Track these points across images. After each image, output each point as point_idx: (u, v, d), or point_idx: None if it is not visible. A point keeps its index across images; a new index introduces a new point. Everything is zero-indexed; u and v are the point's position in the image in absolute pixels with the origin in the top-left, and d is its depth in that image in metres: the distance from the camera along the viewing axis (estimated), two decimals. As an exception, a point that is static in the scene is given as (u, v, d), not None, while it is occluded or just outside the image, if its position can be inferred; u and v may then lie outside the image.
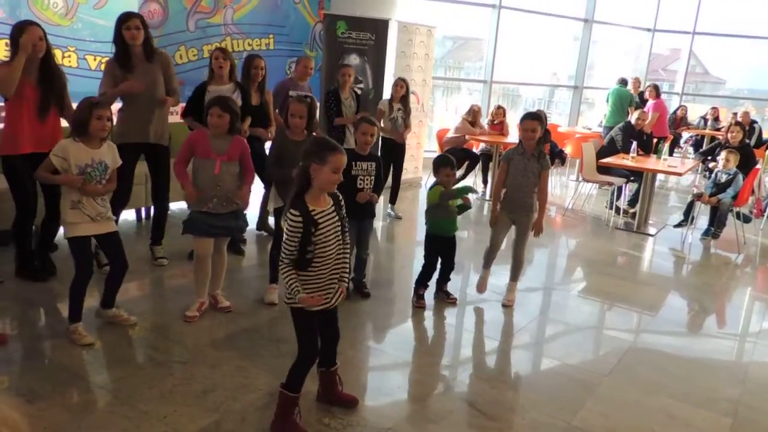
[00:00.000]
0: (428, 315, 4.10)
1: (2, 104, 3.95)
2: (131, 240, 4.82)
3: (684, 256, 6.09)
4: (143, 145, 4.29)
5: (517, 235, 4.27)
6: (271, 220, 5.45)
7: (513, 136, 7.56)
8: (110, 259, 3.50)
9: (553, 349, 3.77)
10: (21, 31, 3.69)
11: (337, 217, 2.55)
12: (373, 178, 3.99)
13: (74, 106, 3.95)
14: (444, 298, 4.28)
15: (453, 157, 7.72)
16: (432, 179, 4.33)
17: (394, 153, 6.23)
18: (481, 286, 4.38)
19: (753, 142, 10.13)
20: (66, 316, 3.37)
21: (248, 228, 4.16)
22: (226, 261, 3.90)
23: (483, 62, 10.33)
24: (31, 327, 3.58)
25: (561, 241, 6.54)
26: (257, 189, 5.06)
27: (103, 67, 4.41)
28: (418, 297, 4.18)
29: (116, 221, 3.56)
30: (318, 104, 5.35)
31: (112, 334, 3.49)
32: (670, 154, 8.16)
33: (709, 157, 7.60)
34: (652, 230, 6.71)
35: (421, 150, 8.24)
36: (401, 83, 6.19)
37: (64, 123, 4.03)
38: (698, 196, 6.42)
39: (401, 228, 6.26)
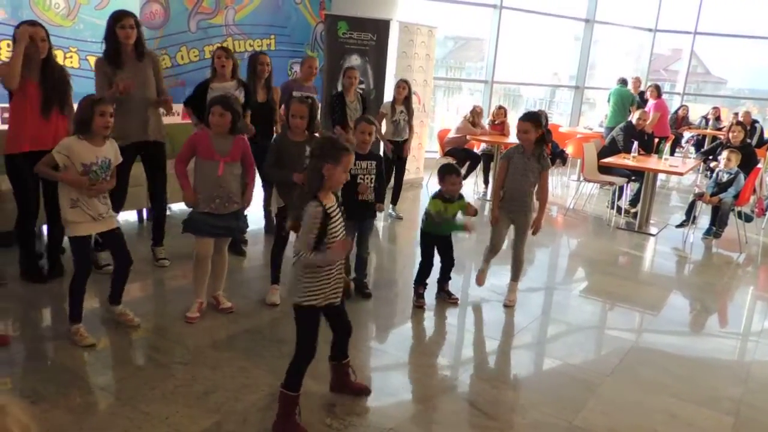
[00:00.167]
0: (429, 315, 4.10)
1: (7, 105, 3.96)
2: (132, 241, 4.80)
3: (685, 255, 6.09)
4: (142, 144, 4.29)
5: (516, 235, 4.27)
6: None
7: (514, 137, 7.54)
8: (114, 256, 3.51)
9: (555, 349, 3.77)
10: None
11: (340, 213, 2.64)
12: (373, 177, 3.99)
13: (75, 107, 3.99)
14: (446, 298, 4.28)
15: (454, 157, 7.80)
16: (435, 182, 4.31)
17: (397, 153, 6.23)
18: (480, 279, 4.39)
19: (754, 141, 10.13)
20: (67, 316, 3.37)
21: (249, 229, 4.16)
22: (227, 261, 3.90)
23: (484, 62, 10.33)
24: (34, 328, 3.59)
25: (562, 240, 6.54)
26: (258, 190, 5.08)
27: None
28: (418, 296, 4.18)
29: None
30: (320, 105, 5.39)
31: (113, 335, 3.49)
32: (672, 153, 8.17)
33: (711, 157, 7.59)
34: (653, 230, 6.70)
35: (422, 150, 8.25)
36: (403, 85, 6.18)
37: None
38: (700, 196, 6.41)
39: (402, 228, 6.26)
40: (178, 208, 5.94)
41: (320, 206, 2.49)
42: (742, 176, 6.20)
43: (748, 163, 6.53)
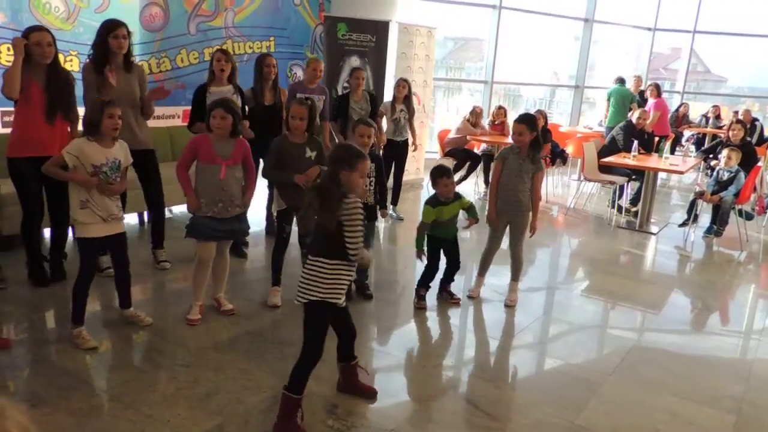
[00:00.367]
0: (431, 315, 4.10)
1: (9, 109, 3.97)
2: (134, 243, 4.81)
3: (686, 254, 6.08)
4: (132, 154, 4.28)
5: (513, 235, 4.27)
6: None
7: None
8: (113, 259, 3.52)
9: (556, 349, 3.77)
10: (26, 38, 3.72)
11: None
12: (372, 179, 4.00)
13: (79, 109, 4.00)
14: (447, 298, 4.29)
15: (454, 158, 7.80)
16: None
17: (396, 154, 6.23)
18: (474, 292, 4.39)
19: (754, 139, 10.12)
20: (69, 320, 3.37)
21: (250, 231, 4.17)
22: (228, 264, 3.91)
23: (484, 63, 10.33)
24: (35, 331, 3.59)
25: (563, 240, 6.54)
26: (261, 191, 5.08)
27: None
28: (419, 298, 4.19)
29: None
30: (321, 105, 5.39)
31: (115, 338, 3.50)
32: (672, 152, 8.16)
33: (711, 155, 7.59)
34: (654, 229, 6.70)
35: (422, 151, 8.23)
36: (403, 84, 6.19)
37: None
38: (700, 195, 6.41)
39: (403, 229, 6.26)
40: (179, 210, 5.95)
41: (358, 200, 2.57)
42: (742, 174, 6.20)
43: (748, 162, 6.53)
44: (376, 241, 5.55)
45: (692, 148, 11.38)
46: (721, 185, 6.27)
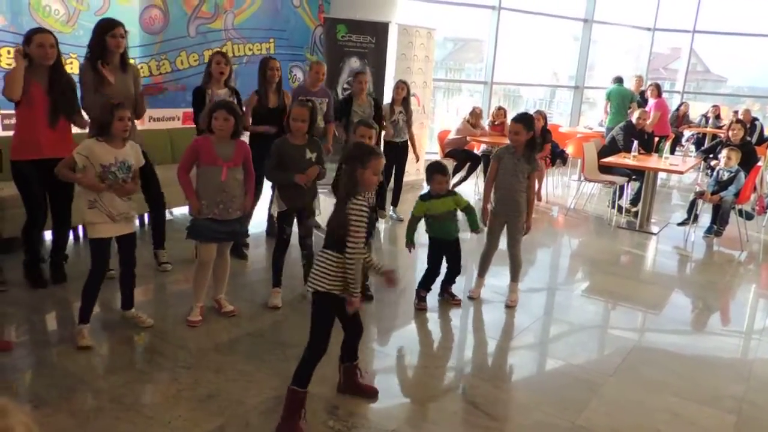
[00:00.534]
0: (432, 316, 4.10)
1: (9, 111, 3.97)
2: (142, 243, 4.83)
3: (687, 254, 6.08)
4: None
5: (510, 236, 4.27)
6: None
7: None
8: (121, 259, 3.53)
9: (557, 349, 3.77)
10: (29, 40, 3.72)
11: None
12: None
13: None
14: (449, 299, 4.29)
15: (454, 159, 7.81)
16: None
17: (395, 155, 6.23)
18: (474, 293, 4.40)
19: (754, 139, 10.11)
20: (71, 321, 3.38)
21: (251, 232, 4.17)
22: (228, 265, 3.91)
23: (483, 63, 10.33)
24: (36, 333, 3.59)
25: (564, 240, 6.54)
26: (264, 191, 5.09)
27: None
28: (419, 299, 4.19)
29: None
30: (325, 108, 5.40)
31: (116, 339, 3.50)
32: (672, 152, 8.16)
33: (711, 155, 7.59)
34: (654, 229, 6.70)
35: (422, 152, 8.24)
36: (402, 85, 6.19)
37: (74, 129, 4.06)
38: (700, 195, 6.41)
39: (403, 230, 6.22)
40: (179, 212, 5.95)
41: (365, 201, 2.62)
42: (742, 174, 6.20)
43: (748, 161, 6.53)
44: (376, 242, 5.55)
45: (692, 148, 11.38)
46: (721, 185, 6.28)
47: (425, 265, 4.26)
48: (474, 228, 4.13)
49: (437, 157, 8.01)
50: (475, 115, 7.97)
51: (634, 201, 7.10)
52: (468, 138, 7.94)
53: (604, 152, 7.15)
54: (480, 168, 7.99)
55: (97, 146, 3.26)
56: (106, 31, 3.99)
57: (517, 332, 3.96)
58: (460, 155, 7.90)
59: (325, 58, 7.26)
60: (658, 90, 9.60)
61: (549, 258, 5.87)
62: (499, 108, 8.45)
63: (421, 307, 4.15)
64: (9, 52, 4.87)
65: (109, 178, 3.26)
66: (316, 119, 3.94)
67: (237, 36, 6.76)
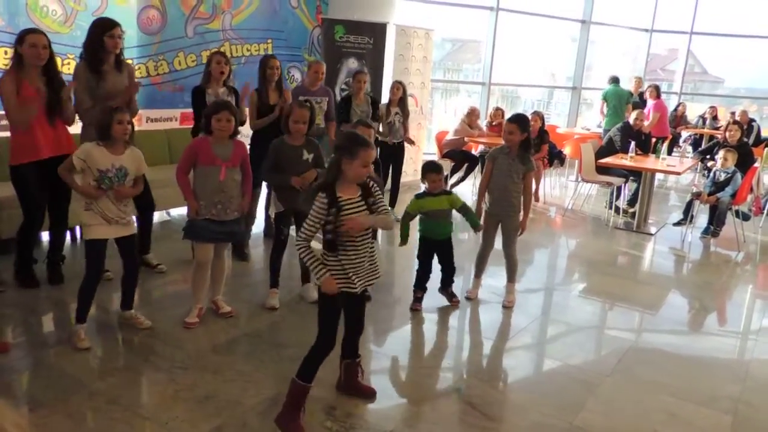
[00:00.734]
0: (429, 317, 4.10)
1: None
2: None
3: (684, 254, 6.10)
4: None
5: (504, 236, 4.28)
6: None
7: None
8: (124, 261, 3.53)
9: (554, 350, 3.78)
10: (21, 40, 3.71)
11: (364, 205, 2.66)
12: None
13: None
14: (450, 299, 4.28)
15: (452, 160, 7.81)
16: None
17: (392, 156, 6.24)
18: (472, 294, 4.40)
19: (751, 140, 10.13)
20: (68, 322, 3.38)
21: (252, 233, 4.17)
22: (226, 266, 3.91)
23: (481, 64, 10.35)
24: (33, 335, 3.59)
25: (561, 241, 6.55)
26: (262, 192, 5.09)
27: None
28: (415, 299, 4.19)
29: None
30: (325, 107, 5.41)
31: (113, 340, 3.50)
32: (670, 153, 8.18)
33: (708, 156, 7.61)
34: (651, 229, 6.72)
35: (420, 153, 8.25)
36: (398, 86, 6.21)
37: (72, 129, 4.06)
38: (697, 195, 6.42)
39: (401, 231, 6.26)
40: (177, 213, 5.95)
41: (324, 198, 2.57)
42: (739, 175, 6.22)
43: (744, 162, 6.55)
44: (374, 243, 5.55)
45: (689, 148, 11.40)
46: (718, 186, 6.29)
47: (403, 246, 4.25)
48: (474, 225, 4.14)
49: (435, 158, 8.03)
50: (472, 114, 7.99)
51: (632, 202, 7.11)
52: (466, 139, 7.95)
53: (601, 153, 7.16)
54: (478, 169, 8.00)
55: (96, 151, 3.25)
56: (104, 30, 3.98)
57: (514, 333, 3.96)
58: (458, 156, 7.91)
59: (323, 59, 7.26)
60: (657, 91, 9.61)
61: (546, 258, 5.88)
62: (497, 108, 8.46)
63: (415, 308, 4.15)
64: (6, 53, 4.86)
65: (105, 183, 3.25)
66: (314, 120, 3.95)
67: (235, 37, 6.76)
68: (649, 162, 6.88)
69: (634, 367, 3.56)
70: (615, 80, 9.56)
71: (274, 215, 4.02)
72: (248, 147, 4.00)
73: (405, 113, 6.24)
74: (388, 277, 4.95)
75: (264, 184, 4.92)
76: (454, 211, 4.13)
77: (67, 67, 5.35)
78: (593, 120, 11.33)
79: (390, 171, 6.28)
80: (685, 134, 12.27)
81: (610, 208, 7.12)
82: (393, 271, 5.15)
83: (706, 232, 6.43)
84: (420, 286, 4.21)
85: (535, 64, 12.28)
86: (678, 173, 7.06)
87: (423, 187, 4.22)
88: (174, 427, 2.68)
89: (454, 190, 7.71)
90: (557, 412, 3.01)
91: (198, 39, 6.43)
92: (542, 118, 7.79)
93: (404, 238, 4.12)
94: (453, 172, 7.93)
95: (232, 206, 3.62)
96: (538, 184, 7.65)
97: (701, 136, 12.10)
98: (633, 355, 3.71)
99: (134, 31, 5.81)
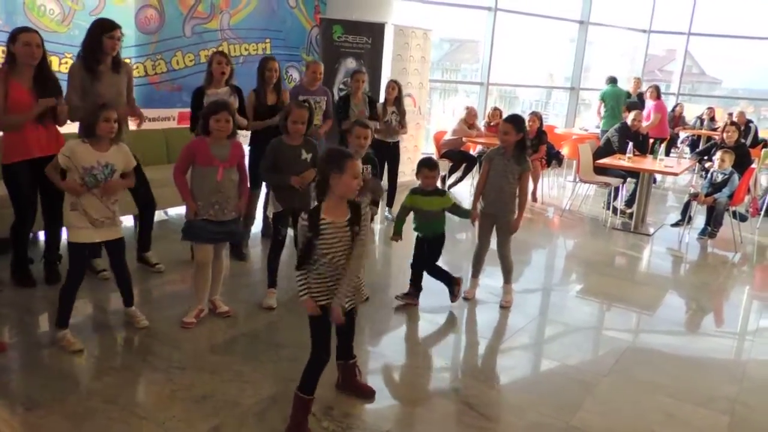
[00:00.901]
0: (425, 317, 4.10)
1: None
2: (130, 246, 4.79)
3: (681, 255, 6.11)
4: None
5: (499, 236, 4.28)
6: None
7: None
8: (112, 265, 3.51)
9: (552, 350, 3.78)
10: (14, 38, 3.70)
11: (348, 231, 2.59)
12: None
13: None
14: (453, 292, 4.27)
15: (450, 160, 7.81)
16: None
17: (389, 155, 6.24)
18: (469, 294, 4.40)
19: (748, 141, 10.14)
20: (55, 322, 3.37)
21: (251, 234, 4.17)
22: (224, 266, 3.91)
23: (479, 64, 10.35)
24: (30, 335, 3.58)
25: (559, 241, 6.56)
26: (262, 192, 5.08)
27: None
28: (404, 295, 4.20)
29: None
30: (324, 107, 5.41)
31: (110, 340, 3.50)
32: (667, 154, 8.19)
33: (705, 157, 7.62)
34: (649, 230, 6.72)
35: (418, 153, 8.24)
36: (393, 85, 6.22)
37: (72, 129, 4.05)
38: (694, 196, 6.43)
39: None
40: (174, 212, 5.94)
41: (305, 220, 2.55)
42: (736, 176, 6.23)
43: (742, 163, 6.55)
44: (371, 243, 5.56)
45: (687, 149, 11.41)
46: (715, 187, 6.30)
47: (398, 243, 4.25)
48: (466, 216, 4.19)
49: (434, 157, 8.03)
50: (469, 115, 8.00)
51: (629, 202, 7.12)
52: (464, 139, 7.95)
53: (599, 153, 7.17)
54: (476, 169, 8.00)
55: (80, 147, 3.21)
56: (104, 31, 3.95)
57: (511, 333, 3.97)
58: (456, 156, 7.91)
59: (321, 59, 7.26)
60: (657, 92, 9.61)
61: (544, 259, 5.88)
62: (495, 109, 8.47)
63: (406, 302, 4.17)
64: (2, 52, 4.85)
65: (90, 181, 3.21)
66: (313, 120, 3.95)
67: (233, 36, 6.75)
68: (647, 163, 6.90)
69: (632, 367, 3.56)
70: (613, 81, 9.56)
71: (272, 215, 4.02)
72: (247, 147, 3.99)
73: (401, 111, 6.25)
74: (385, 278, 4.96)
75: (264, 185, 4.92)
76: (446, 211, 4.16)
77: (65, 66, 5.34)
78: (591, 120, 11.34)
79: (386, 171, 6.28)
80: (682, 135, 12.29)
81: (608, 208, 7.13)
82: (390, 272, 5.16)
83: (703, 233, 6.44)
84: (416, 285, 4.22)
85: (534, 65, 12.28)
86: (675, 174, 7.07)
87: (419, 183, 4.23)
88: (171, 427, 2.68)
89: (452, 190, 7.73)
90: (554, 412, 3.01)
91: (196, 38, 6.42)
92: (540, 119, 7.79)
93: (397, 233, 4.11)
94: (451, 172, 7.93)
95: (230, 206, 3.62)
96: (536, 184, 7.65)
97: (699, 137, 12.11)
98: (630, 356, 3.71)
99: (132, 30, 5.80)
